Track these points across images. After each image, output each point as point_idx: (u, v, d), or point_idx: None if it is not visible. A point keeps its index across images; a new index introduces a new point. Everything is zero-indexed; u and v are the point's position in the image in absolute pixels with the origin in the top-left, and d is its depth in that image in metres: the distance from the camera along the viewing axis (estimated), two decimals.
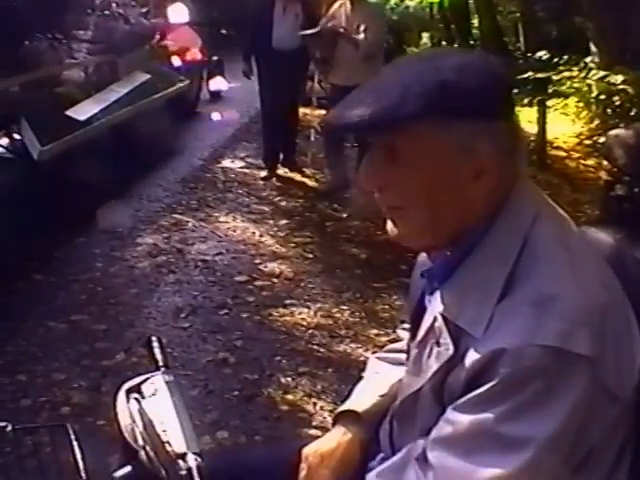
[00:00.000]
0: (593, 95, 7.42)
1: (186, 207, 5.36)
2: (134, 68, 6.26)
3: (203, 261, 4.33)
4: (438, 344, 1.00)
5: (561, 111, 8.10)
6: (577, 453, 0.91)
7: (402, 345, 1.28)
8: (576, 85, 7.58)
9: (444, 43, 12.79)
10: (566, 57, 7.83)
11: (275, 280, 4.09)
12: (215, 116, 8.02)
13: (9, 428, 1.10)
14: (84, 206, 4.49)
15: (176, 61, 7.45)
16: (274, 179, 6.07)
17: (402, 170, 0.98)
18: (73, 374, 3.01)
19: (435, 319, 1.02)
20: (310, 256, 4.48)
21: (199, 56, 8.16)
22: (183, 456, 1.02)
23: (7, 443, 1.10)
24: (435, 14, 13.55)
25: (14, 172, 4.20)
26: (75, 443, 1.12)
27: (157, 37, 7.33)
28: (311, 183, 6.09)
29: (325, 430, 1.35)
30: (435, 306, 1.03)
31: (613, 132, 4.93)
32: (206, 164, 6.60)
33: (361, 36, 5.14)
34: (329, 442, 1.23)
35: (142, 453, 1.05)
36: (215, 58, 8.85)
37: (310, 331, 3.49)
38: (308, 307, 3.75)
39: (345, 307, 3.76)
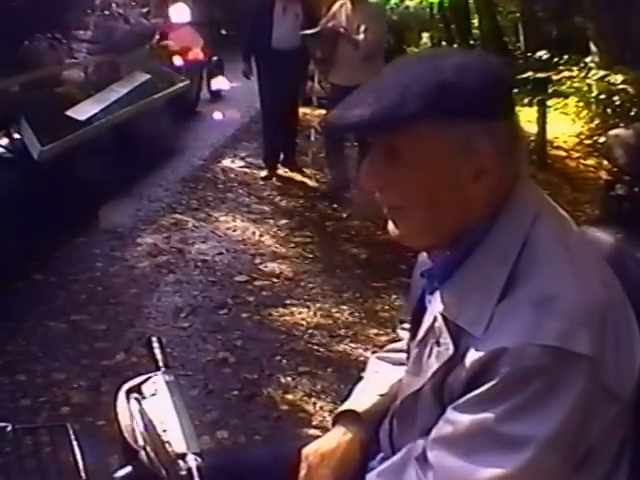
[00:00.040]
0: (593, 95, 7.41)
1: (186, 207, 5.36)
2: (134, 68, 6.25)
3: (203, 261, 4.33)
4: (438, 344, 1.00)
5: (561, 111, 8.10)
6: (577, 452, 0.91)
7: (402, 345, 1.28)
8: (576, 85, 7.56)
9: (444, 43, 12.78)
10: (566, 57, 7.81)
11: (275, 280, 4.09)
12: (215, 116, 8.01)
13: (9, 428, 1.10)
14: (84, 206, 4.49)
15: (176, 61, 7.46)
16: (274, 179, 6.07)
17: (402, 170, 0.98)
18: (73, 374, 3.01)
19: (435, 319, 1.02)
20: (310, 256, 4.47)
21: (201, 56, 8.17)
22: (183, 456, 1.02)
23: (7, 443, 1.10)
24: (435, 14, 13.53)
25: (14, 172, 4.19)
26: (75, 443, 1.12)
27: (157, 37, 7.34)
28: (311, 183, 6.09)
29: (325, 430, 1.35)
30: (435, 306, 1.03)
31: (613, 132, 4.92)
32: (206, 164, 6.60)
33: (361, 36, 5.13)
34: (329, 442, 1.23)
35: (142, 453, 1.05)
36: (215, 58, 8.85)
37: (310, 331, 3.49)
38: (308, 307, 3.75)
39: (345, 307, 3.76)
